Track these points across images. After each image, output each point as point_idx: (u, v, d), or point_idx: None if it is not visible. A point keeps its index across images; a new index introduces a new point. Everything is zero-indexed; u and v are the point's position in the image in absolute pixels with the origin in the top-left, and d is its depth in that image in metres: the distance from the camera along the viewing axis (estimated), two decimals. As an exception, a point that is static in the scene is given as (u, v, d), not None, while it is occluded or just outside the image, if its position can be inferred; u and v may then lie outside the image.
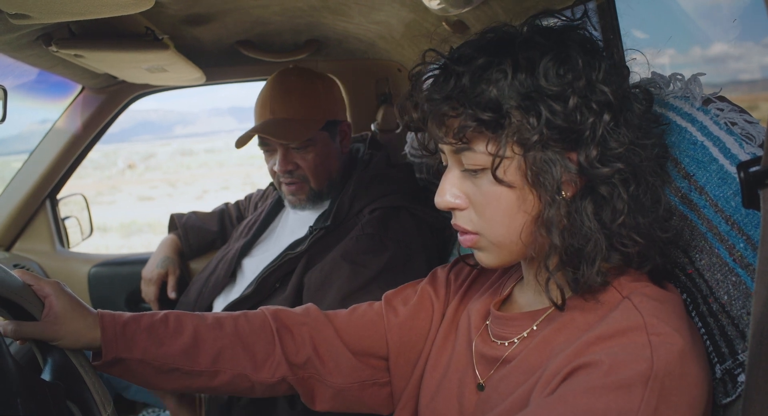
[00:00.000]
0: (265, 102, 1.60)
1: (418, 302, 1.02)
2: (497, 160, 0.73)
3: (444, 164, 0.82)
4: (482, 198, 0.76)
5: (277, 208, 1.81)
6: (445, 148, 0.79)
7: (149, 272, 1.93)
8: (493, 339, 0.85)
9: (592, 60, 0.73)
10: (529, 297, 0.85)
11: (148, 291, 1.91)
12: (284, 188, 1.62)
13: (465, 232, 0.80)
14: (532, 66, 0.71)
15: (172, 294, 1.90)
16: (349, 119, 2.30)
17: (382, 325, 1.01)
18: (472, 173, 0.77)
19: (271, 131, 1.54)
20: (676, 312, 0.70)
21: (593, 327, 0.71)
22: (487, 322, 0.89)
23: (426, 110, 0.77)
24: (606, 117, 0.71)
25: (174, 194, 13.22)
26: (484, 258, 0.82)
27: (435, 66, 0.79)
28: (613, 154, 0.71)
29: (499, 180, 0.73)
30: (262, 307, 1.04)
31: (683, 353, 0.65)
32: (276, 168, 1.58)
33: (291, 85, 1.60)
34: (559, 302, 0.76)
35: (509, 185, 0.74)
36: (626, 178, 0.72)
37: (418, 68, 0.81)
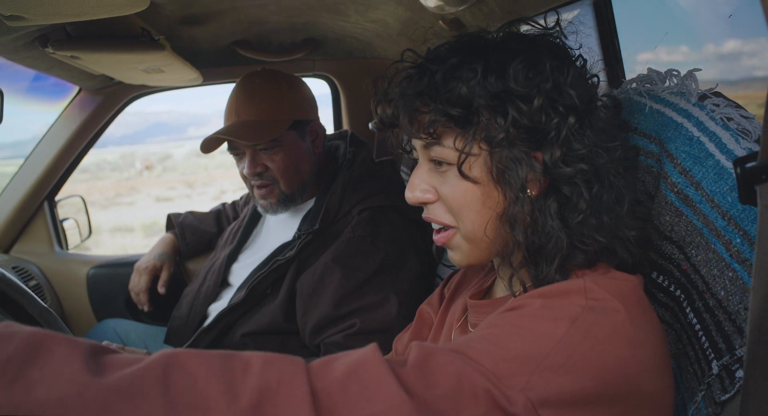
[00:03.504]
0: (231, 106, 1.57)
1: (417, 321, 1.07)
2: (463, 156, 0.75)
3: (415, 157, 0.85)
4: (449, 192, 0.79)
5: (257, 213, 1.79)
6: (417, 143, 0.82)
7: (144, 262, 1.94)
8: (470, 328, 0.88)
9: (560, 65, 0.75)
10: (501, 286, 0.88)
11: (140, 281, 1.90)
12: (255, 192, 1.59)
13: (438, 223, 0.83)
14: (503, 68, 0.74)
15: (161, 289, 1.90)
16: (346, 118, 2.30)
17: None
18: (440, 168, 0.79)
19: (236, 132, 1.51)
20: (626, 288, 0.71)
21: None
22: (467, 313, 0.91)
23: (398, 106, 0.80)
24: (571, 119, 0.73)
25: (192, 194, 13.31)
26: (456, 257, 0.84)
27: (411, 65, 0.82)
28: (577, 155, 0.73)
29: (464, 175, 0.76)
30: None
31: (616, 311, 0.67)
32: (245, 172, 1.55)
33: (255, 88, 1.58)
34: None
35: (474, 181, 0.77)
36: (589, 178, 0.74)
37: (395, 66, 0.84)
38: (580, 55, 0.81)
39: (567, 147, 0.73)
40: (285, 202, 1.58)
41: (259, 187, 1.57)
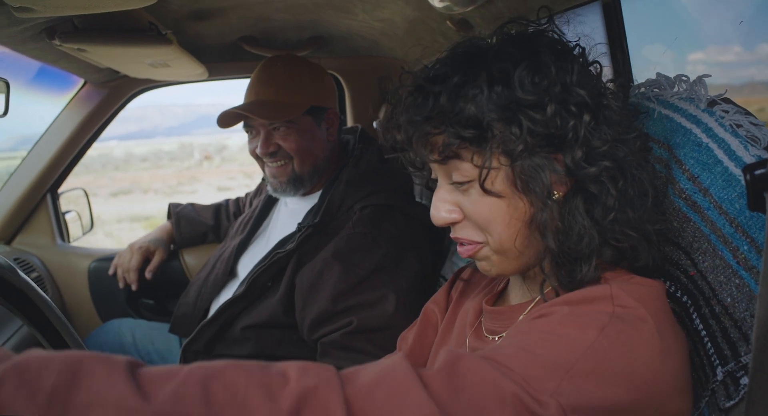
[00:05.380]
0: (251, 85, 1.61)
1: (422, 320, 1.05)
2: (484, 172, 0.74)
3: (434, 177, 0.84)
4: (474, 209, 0.77)
5: (269, 203, 1.80)
6: (433, 165, 0.81)
7: (138, 242, 1.95)
8: (486, 334, 0.86)
9: (564, 63, 0.74)
10: (518, 292, 0.87)
11: (131, 259, 1.90)
12: (267, 170, 1.61)
13: (469, 243, 0.81)
14: (507, 77, 0.73)
15: (148, 275, 1.91)
16: (350, 116, 2.30)
17: None
18: (461, 186, 0.78)
19: (252, 109, 1.53)
20: (651, 295, 0.71)
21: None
22: (481, 318, 0.90)
23: (409, 131, 0.78)
24: (586, 117, 0.72)
25: (251, 184, 13.89)
26: (486, 266, 0.82)
27: (413, 88, 0.80)
28: (598, 152, 0.72)
29: (487, 191, 0.75)
30: None
31: (644, 321, 0.67)
32: (258, 151, 1.57)
33: (276, 70, 1.61)
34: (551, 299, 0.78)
35: (498, 195, 0.75)
36: (614, 174, 0.73)
37: (397, 92, 0.82)
38: (577, 45, 0.79)
39: (587, 146, 0.72)
40: (295, 183, 1.59)
41: (271, 165, 1.59)
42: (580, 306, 0.69)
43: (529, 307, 0.81)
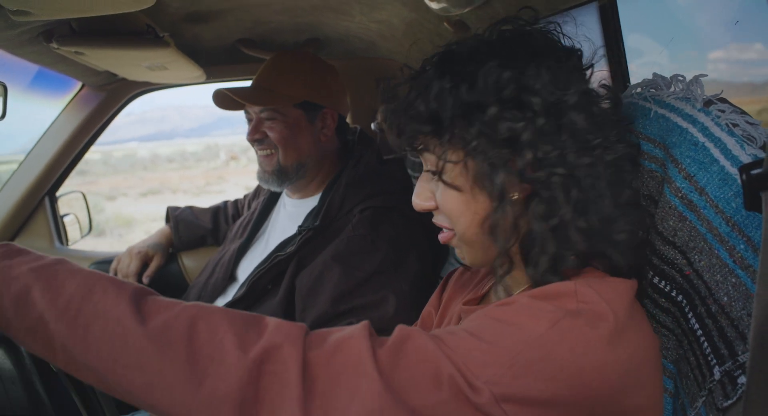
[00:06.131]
0: (258, 73, 1.63)
1: (421, 325, 1.07)
2: (440, 163, 0.78)
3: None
4: (440, 199, 0.81)
5: (268, 206, 1.80)
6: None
7: (137, 247, 1.94)
8: None
9: (531, 65, 0.74)
10: (499, 293, 0.88)
11: (130, 264, 1.90)
12: (258, 157, 1.64)
13: (444, 228, 0.85)
14: (474, 77, 0.74)
15: (146, 280, 1.91)
16: (348, 117, 2.30)
17: None
18: (434, 176, 0.81)
19: (240, 92, 1.55)
20: (618, 291, 0.71)
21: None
22: (461, 318, 0.91)
23: (388, 121, 0.83)
24: (539, 121, 0.72)
25: None
26: (461, 255, 0.86)
27: (399, 83, 0.85)
28: (550, 158, 0.72)
29: (446, 183, 0.79)
30: None
31: (604, 319, 0.67)
32: (246, 136, 1.61)
33: (280, 60, 1.63)
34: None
35: (457, 188, 0.78)
36: (565, 182, 0.72)
37: (392, 83, 0.87)
38: (571, 47, 0.80)
39: (537, 151, 0.72)
40: (279, 174, 1.60)
41: (260, 155, 1.62)
42: (542, 301, 0.70)
43: None
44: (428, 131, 0.77)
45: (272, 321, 0.68)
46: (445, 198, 0.80)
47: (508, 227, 0.76)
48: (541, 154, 0.72)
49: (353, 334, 0.67)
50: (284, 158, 1.58)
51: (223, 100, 1.58)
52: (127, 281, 0.70)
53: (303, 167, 1.60)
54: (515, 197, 0.75)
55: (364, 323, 0.70)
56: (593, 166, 0.73)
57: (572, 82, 0.75)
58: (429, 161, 0.81)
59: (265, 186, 1.67)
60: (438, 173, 0.79)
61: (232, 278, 1.69)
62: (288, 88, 1.58)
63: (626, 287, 0.73)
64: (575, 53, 0.80)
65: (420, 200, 0.85)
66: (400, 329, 0.69)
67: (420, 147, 0.81)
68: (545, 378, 0.64)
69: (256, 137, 1.58)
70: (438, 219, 0.85)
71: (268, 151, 1.59)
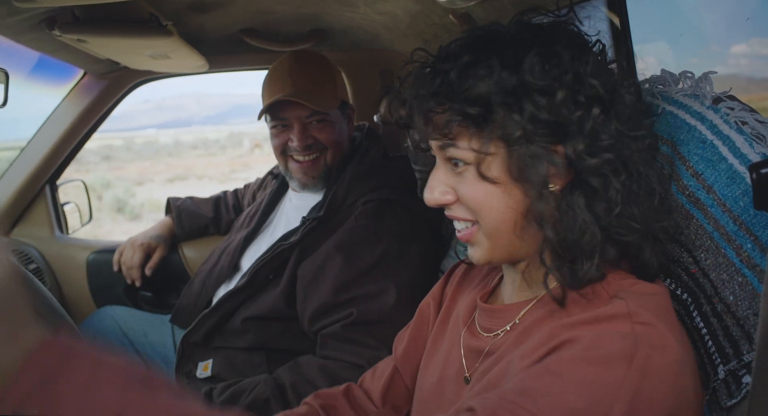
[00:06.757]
0: (283, 77, 1.57)
1: (417, 318, 1.06)
2: (481, 156, 0.74)
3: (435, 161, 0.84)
4: (468, 193, 0.77)
5: (276, 198, 1.80)
6: (433, 144, 0.80)
7: (139, 239, 1.95)
8: (480, 331, 0.86)
9: (579, 54, 0.73)
10: (510, 291, 0.86)
11: (133, 256, 1.90)
12: (294, 166, 1.60)
13: (462, 221, 0.81)
14: (518, 62, 0.72)
15: (148, 271, 1.91)
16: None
17: (395, 367, 1.06)
18: (457, 168, 0.78)
19: (304, 97, 1.51)
20: (662, 305, 0.70)
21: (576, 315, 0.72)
22: (475, 315, 0.89)
23: (413, 106, 0.78)
24: (595, 110, 0.71)
25: None
26: (476, 254, 0.82)
27: (423, 64, 0.80)
28: (602, 145, 0.71)
29: (483, 176, 0.75)
30: (305, 399, 1.07)
31: (668, 344, 0.65)
32: (293, 144, 1.55)
33: (309, 62, 1.61)
34: (560, 297, 0.76)
35: (493, 181, 0.75)
36: (617, 168, 0.71)
37: (407, 67, 0.82)
38: (598, 41, 0.78)
39: (591, 138, 0.71)
40: (326, 176, 1.59)
41: (303, 161, 1.58)
42: (598, 326, 0.67)
43: (528, 306, 0.80)
44: (475, 113, 0.72)
45: None
46: (477, 192, 0.76)
47: (550, 218, 0.73)
48: (593, 142, 0.71)
49: None
50: (332, 158, 1.59)
51: (269, 108, 1.54)
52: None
53: (341, 165, 1.61)
54: (553, 187, 0.73)
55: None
56: (640, 152, 0.72)
57: (611, 73, 0.76)
58: (455, 152, 0.76)
59: (309, 192, 1.64)
60: (476, 165, 0.74)
61: (236, 267, 1.69)
62: (333, 90, 1.59)
63: (667, 298, 0.72)
64: (604, 48, 0.79)
65: (436, 194, 0.80)
66: (480, 406, 0.64)
67: (451, 136, 0.76)
68: None
69: (308, 142, 1.55)
70: (456, 212, 0.80)
71: (315, 155, 1.58)
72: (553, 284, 0.76)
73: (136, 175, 14.64)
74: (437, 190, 0.80)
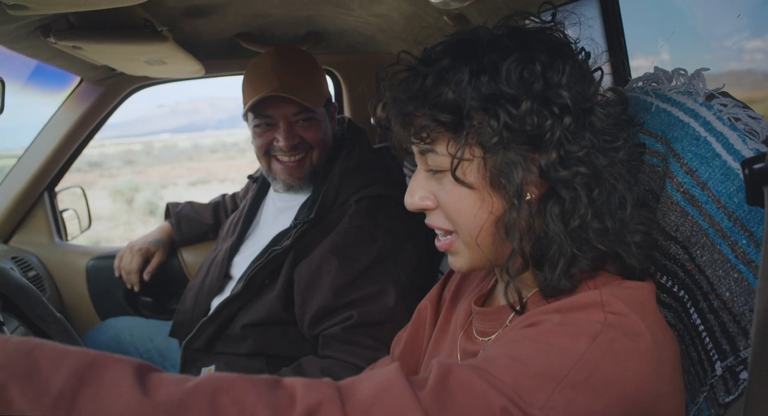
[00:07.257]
0: (267, 73, 1.52)
1: (415, 320, 1.06)
2: (456, 161, 0.74)
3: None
4: (446, 198, 0.77)
5: (256, 201, 1.78)
6: (413, 149, 0.80)
7: (138, 243, 1.94)
8: (476, 335, 0.86)
9: (554, 62, 0.72)
10: (502, 293, 0.86)
11: (132, 260, 1.90)
12: (278, 167, 1.56)
13: (440, 230, 0.81)
14: (495, 68, 0.72)
15: (146, 276, 1.91)
16: (348, 112, 2.30)
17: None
18: (437, 173, 0.78)
19: (293, 93, 1.47)
20: (639, 298, 0.71)
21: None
22: (471, 319, 0.90)
23: (391, 110, 0.78)
24: (566, 120, 0.70)
25: None
26: (456, 263, 0.82)
27: (406, 67, 0.80)
28: (574, 157, 0.71)
29: (459, 181, 0.74)
30: None
31: (639, 333, 0.66)
32: (279, 144, 1.52)
33: (293, 57, 1.58)
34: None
35: (469, 187, 0.75)
36: (588, 182, 0.71)
37: (390, 69, 0.82)
38: (582, 49, 0.78)
39: (562, 149, 0.71)
40: (312, 177, 1.57)
41: (288, 162, 1.55)
42: (571, 314, 0.68)
43: (513, 313, 0.81)
44: (446, 120, 0.73)
45: (299, 383, 0.60)
46: (453, 197, 0.76)
47: (523, 227, 0.73)
48: (566, 153, 0.71)
49: (389, 380, 0.62)
50: (318, 157, 1.56)
51: (254, 105, 1.50)
52: (123, 357, 0.57)
53: (324, 165, 1.59)
54: (529, 197, 0.73)
55: (395, 365, 0.64)
56: (613, 166, 0.72)
57: (591, 83, 0.75)
58: (434, 158, 0.76)
59: (293, 193, 1.62)
60: (451, 170, 0.74)
61: (227, 277, 1.68)
62: (319, 87, 1.56)
63: (648, 293, 0.72)
64: (587, 55, 0.78)
65: (416, 198, 0.81)
66: (438, 365, 0.64)
67: (428, 141, 0.76)
68: (595, 396, 0.62)
69: (295, 142, 1.52)
70: (434, 220, 0.81)
71: (301, 155, 1.54)
72: (533, 291, 0.78)
73: (158, 179, 14.63)
74: (417, 194, 0.81)
